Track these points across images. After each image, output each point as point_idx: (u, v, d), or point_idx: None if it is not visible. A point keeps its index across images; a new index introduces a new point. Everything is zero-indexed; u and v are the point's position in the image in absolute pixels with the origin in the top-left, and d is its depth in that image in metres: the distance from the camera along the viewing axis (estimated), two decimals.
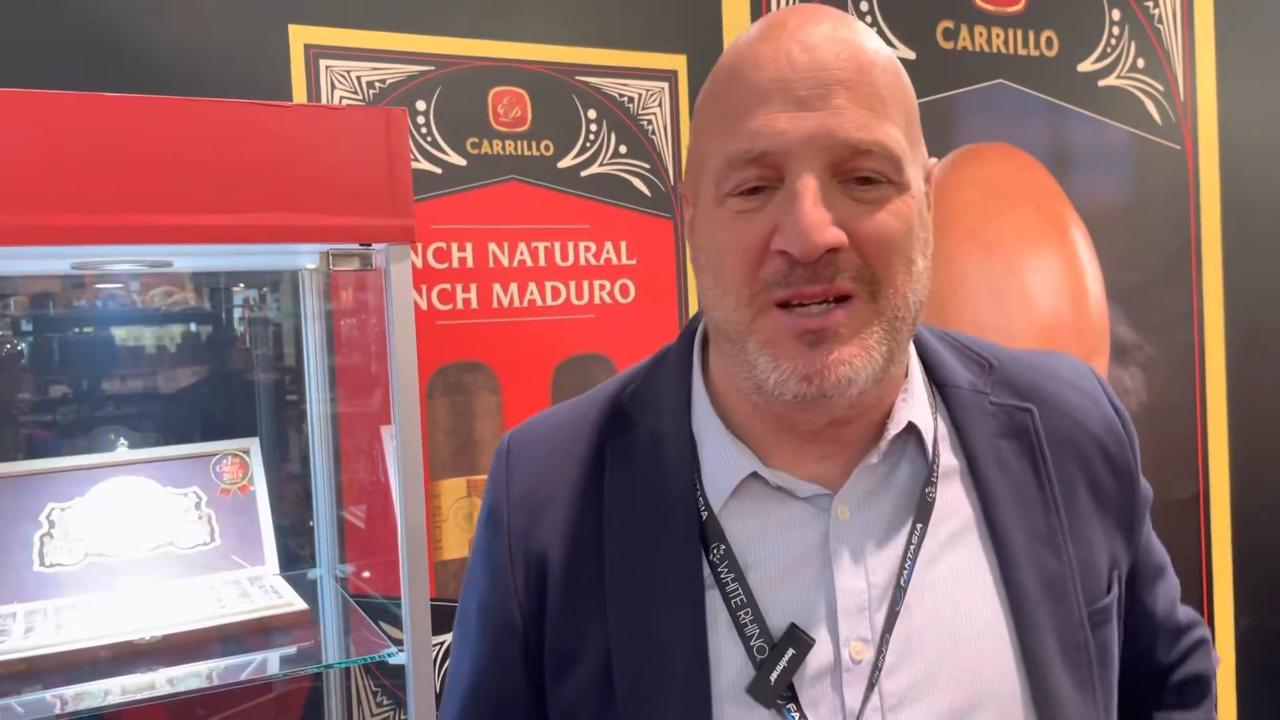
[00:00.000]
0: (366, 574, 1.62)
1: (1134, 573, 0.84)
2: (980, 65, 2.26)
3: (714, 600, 0.73)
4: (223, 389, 1.72)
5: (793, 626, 0.70)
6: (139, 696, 1.17)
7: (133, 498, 1.45)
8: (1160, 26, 2.45)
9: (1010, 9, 2.29)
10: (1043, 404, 0.80)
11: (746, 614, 0.71)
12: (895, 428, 0.74)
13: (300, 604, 1.33)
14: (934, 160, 0.76)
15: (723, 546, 0.73)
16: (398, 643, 1.26)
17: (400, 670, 1.71)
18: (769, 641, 0.71)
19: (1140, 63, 2.42)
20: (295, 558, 1.66)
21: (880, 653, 0.70)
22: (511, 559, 0.78)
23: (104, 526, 1.42)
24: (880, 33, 2.15)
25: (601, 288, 1.94)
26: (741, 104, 0.69)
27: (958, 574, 0.74)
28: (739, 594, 0.72)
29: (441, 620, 1.53)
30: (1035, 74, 2.31)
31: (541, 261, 1.89)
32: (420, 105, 1.77)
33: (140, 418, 1.62)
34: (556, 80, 1.88)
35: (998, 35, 2.28)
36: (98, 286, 1.65)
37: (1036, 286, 2.30)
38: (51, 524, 1.40)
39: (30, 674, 1.19)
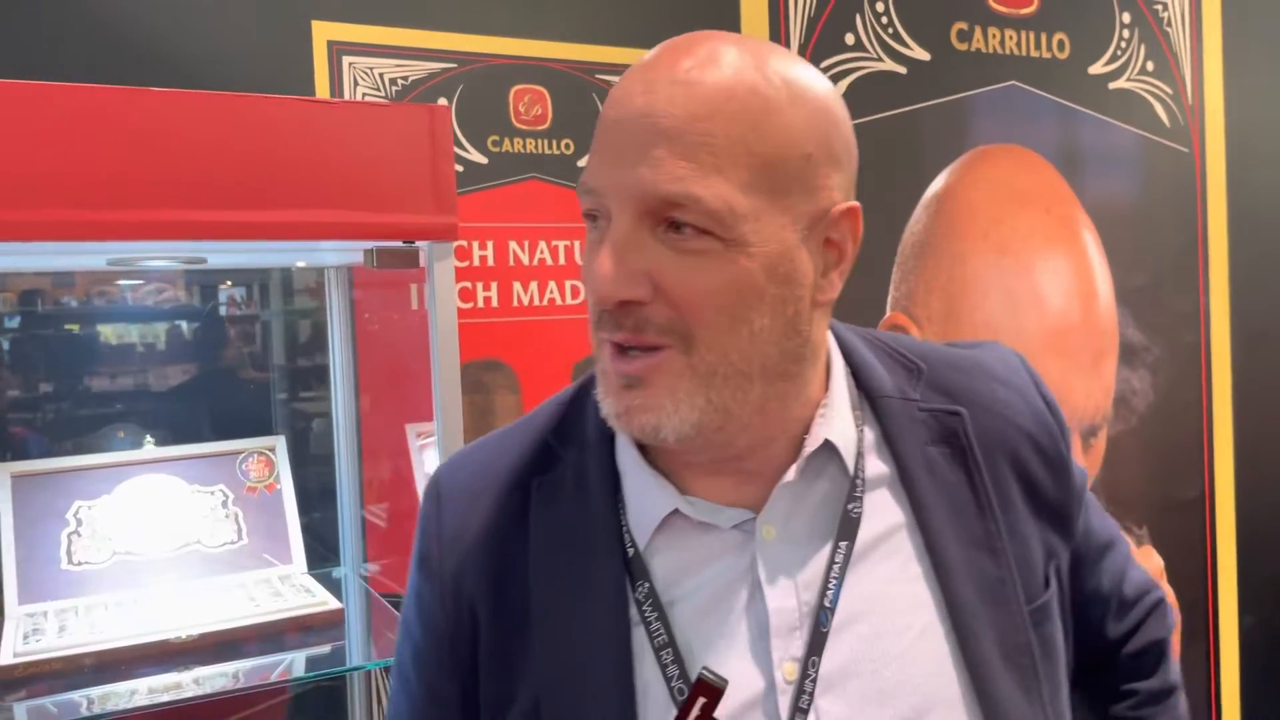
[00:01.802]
0: (376, 568, 1.61)
1: (1077, 558, 0.84)
2: (993, 67, 2.27)
3: (640, 639, 0.72)
4: (245, 387, 1.71)
5: (702, 671, 0.67)
6: (183, 695, 1.16)
7: (159, 495, 1.44)
8: (1169, 30, 2.47)
9: (1023, 11, 2.30)
10: (972, 404, 0.79)
11: (668, 654, 0.70)
12: (811, 445, 0.73)
13: (334, 602, 1.32)
14: (846, 204, 0.71)
15: (646, 585, 0.72)
16: None
17: None
18: (687, 683, 0.69)
19: (1149, 65, 2.44)
20: (317, 556, 1.65)
21: (807, 675, 0.69)
22: (443, 605, 0.77)
23: (131, 524, 1.41)
24: (896, 34, 2.16)
25: None
26: (597, 132, 0.70)
27: (889, 587, 0.73)
28: (661, 633, 0.71)
29: None
30: (1047, 76, 2.33)
31: (561, 260, 1.89)
32: (442, 102, 1.77)
33: (163, 415, 1.61)
34: (577, 79, 1.88)
35: (1010, 37, 2.30)
36: (119, 283, 1.63)
37: (1047, 287, 2.32)
38: (79, 522, 1.39)
39: (65, 673, 1.18)
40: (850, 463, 0.74)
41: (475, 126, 1.80)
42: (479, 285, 1.83)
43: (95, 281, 1.61)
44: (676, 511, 0.73)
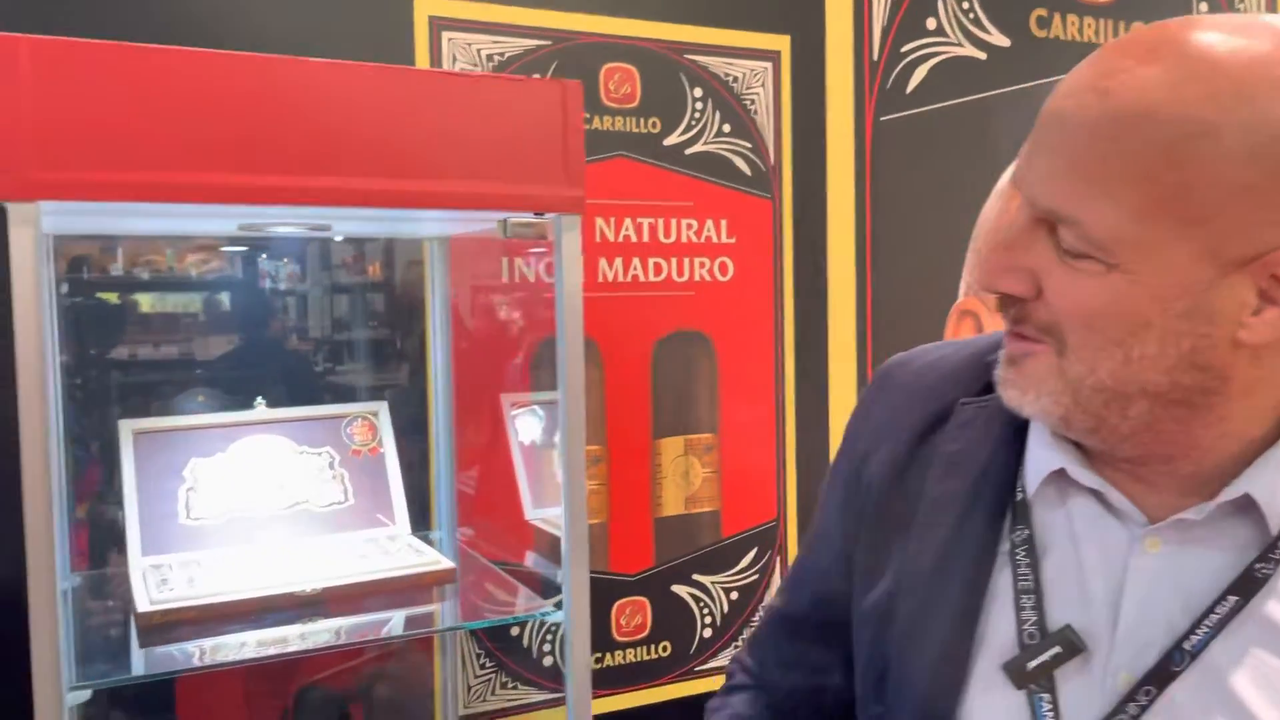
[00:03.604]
0: (470, 532, 1.66)
1: None
2: (1071, 54, 2.28)
3: (1003, 578, 0.75)
4: (348, 353, 1.76)
5: (1068, 627, 0.71)
6: (288, 649, 1.21)
7: (270, 455, 1.49)
8: None
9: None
10: None
11: (1029, 599, 0.73)
12: (1229, 494, 0.69)
13: (447, 562, 1.36)
14: None
15: (1026, 531, 0.75)
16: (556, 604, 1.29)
17: (501, 634, 1.75)
18: (1041, 631, 0.72)
19: None
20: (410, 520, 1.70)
21: (1134, 699, 0.69)
22: (847, 476, 0.87)
23: (244, 482, 1.46)
24: (976, 19, 2.17)
25: (701, 265, 1.97)
26: None
27: (1270, 663, 0.67)
28: (1028, 579, 0.74)
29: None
30: None
31: (645, 238, 1.92)
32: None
33: (271, 379, 1.65)
34: (665, 58, 1.90)
35: (1089, 25, 2.30)
36: (224, 250, 1.68)
37: None
38: (195, 479, 1.44)
39: (199, 621, 1.23)
40: (1274, 523, 0.69)
41: None
42: None
43: (194, 250, 1.66)
44: (1065, 473, 0.74)
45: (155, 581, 1.29)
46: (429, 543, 1.55)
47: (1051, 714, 0.71)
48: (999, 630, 0.74)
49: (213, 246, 1.66)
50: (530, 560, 1.66)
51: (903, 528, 0.80)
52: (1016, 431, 0.78)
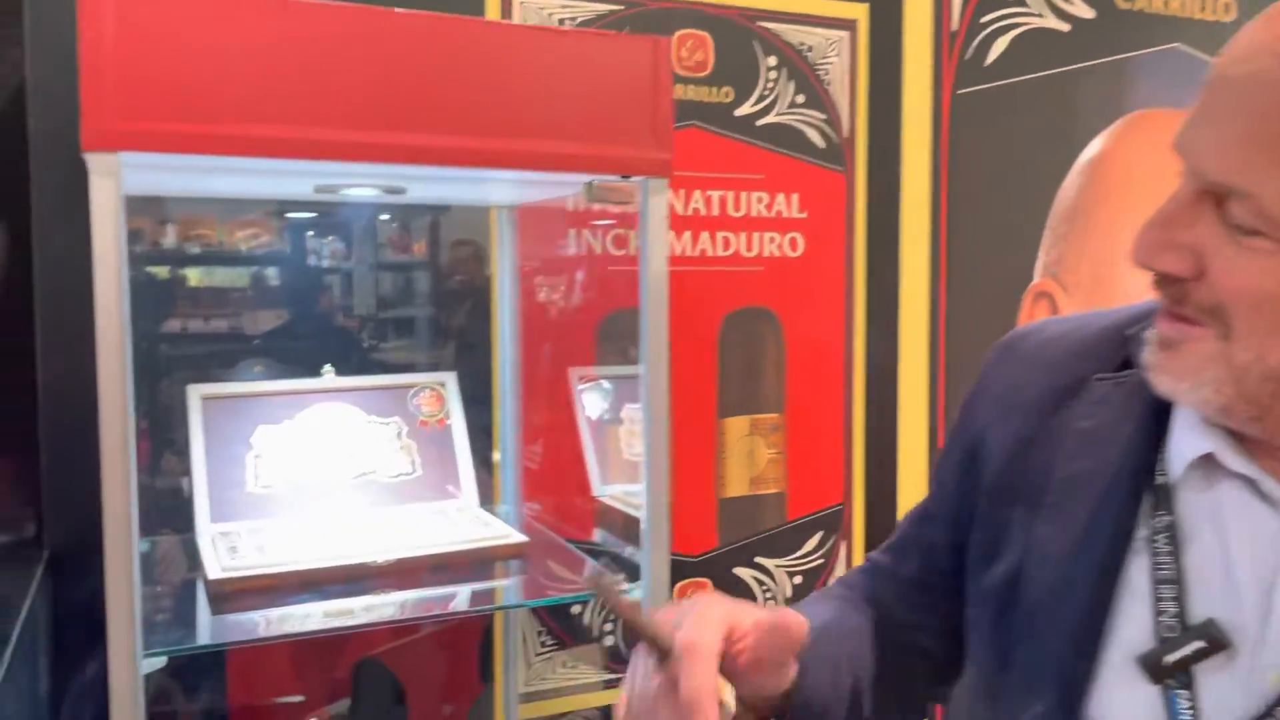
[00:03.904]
0: (537, 507, 1.62)
1: None
2: (1157, 28, 2.19)
3: (1139, 565, 0.70)
4: (411, 325, 1.73)
5: (1211, 621, 0.66)
6: (353, 620, 1.19)
7: (338, 424, 1.46)
8: None
9: None
10: None
11: (1169, 590, 0.68)
12: None
13: (518, 535, 1.33)
14: None
15: (1168, 518, 0.70)
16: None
17: (562, 612, 1.72)
18: (1181, 623, 0.67)
19: None
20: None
21: None
22: (965, 448, 0.83)
23: (311, 451, 1.43)
24: None
25: (771, 240, 1.92)
26: None
27: None
28: (1170, 568, 0.69)
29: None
30: (1212, 40, 2.23)
31: (715, 210, 1.87)
32: None
33: (337, 349, 1.63)
34: (739, 25, 1.84)
35: None
36: (289, 218, 1.65)
37: None
38: (263, 446, 1.41)
39: (270, 589, 1.21)
40: None
41: None
42: (633, 234, 1.82)
43: (245, 226, 1.63)
44: (1212, 458, 0.69)
45: (225, 549, 1.27)
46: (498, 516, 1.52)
47: (1190, 713, 0.66)
48: (1133, 621, 0.69)
49: (278, 214, 1.63)
50: (598, 537, 1.63)
51: (1028, 507, 0.75)
52: (1156, 411, 0.72)
